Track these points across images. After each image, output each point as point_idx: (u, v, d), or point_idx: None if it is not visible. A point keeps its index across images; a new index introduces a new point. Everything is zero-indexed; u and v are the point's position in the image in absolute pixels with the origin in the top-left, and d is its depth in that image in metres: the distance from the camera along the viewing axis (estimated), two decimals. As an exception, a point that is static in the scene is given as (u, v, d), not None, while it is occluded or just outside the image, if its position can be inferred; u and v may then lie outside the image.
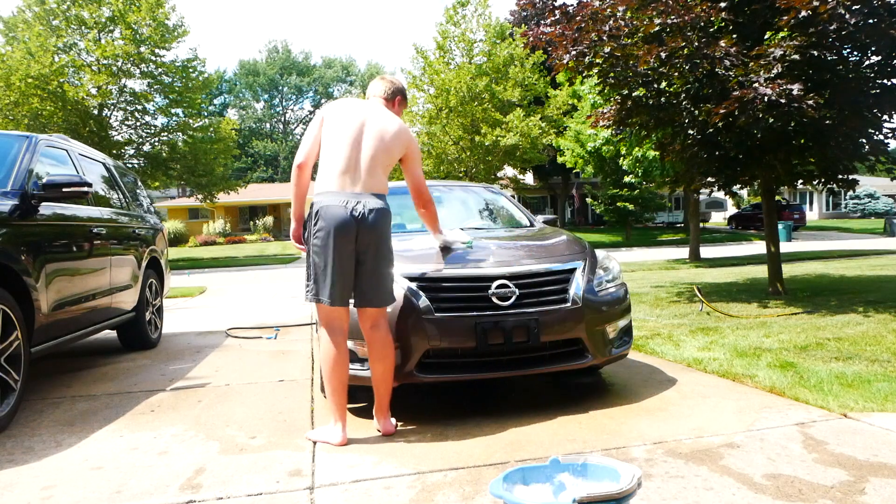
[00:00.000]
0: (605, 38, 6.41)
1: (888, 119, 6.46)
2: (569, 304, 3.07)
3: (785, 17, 5.74)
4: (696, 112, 6.58)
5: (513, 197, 5.91)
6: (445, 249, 3.26)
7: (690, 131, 6.96)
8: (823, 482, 2.16)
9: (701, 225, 20.37)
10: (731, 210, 41.81)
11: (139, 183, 6.17)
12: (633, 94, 7.08)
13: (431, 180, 4.71)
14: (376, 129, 2.86)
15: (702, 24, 6.28)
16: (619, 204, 26.41)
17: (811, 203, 44.21)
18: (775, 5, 5.90)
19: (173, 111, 22.10)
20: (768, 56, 5.78)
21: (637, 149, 18.37)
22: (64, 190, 3.62)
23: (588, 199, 30.79)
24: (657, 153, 9.75)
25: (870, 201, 42.28)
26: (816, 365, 3.79)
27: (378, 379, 2.82)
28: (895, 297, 6.79)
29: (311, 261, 2.75)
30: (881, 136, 6.59)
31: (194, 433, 2.95)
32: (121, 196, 5.30)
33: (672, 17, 6.01)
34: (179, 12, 31.09)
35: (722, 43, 5.92)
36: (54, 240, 3.68)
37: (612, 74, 6.85)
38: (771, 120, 5.92)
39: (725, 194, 8.14)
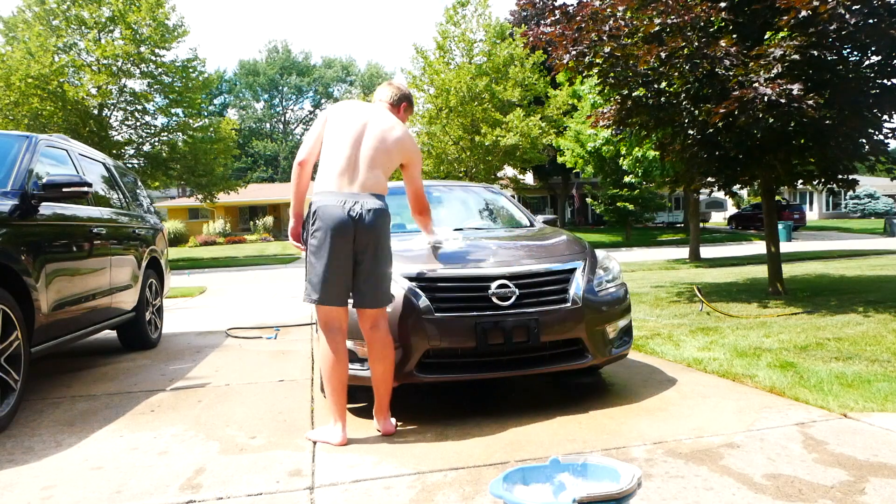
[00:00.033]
0: (605, 38, 6.41)
1: (888, 119, 6.46)
2: (569, 304, 3.07)
3: (785, 17, 5.74)
4: (696, 112, 6.58)
5: (513, 197, 5.91)
6: (440, 246, 3.29)
7: (690, 131, 6.96)
8: (823, 482, 2.16)
9: (701, 225, 20.37)
10: (731, 210, 41.81)
11: (139, 183, 6.17)
12: (633, 94, 7.08)
13: (431, 180, 4.71)
14: (377, 130, 2.87)
15: (702, 24, 6.28)
16: (619, 204, 26.41)
17: (811, 203, 44.21)
18: (775, 5, 5.89)
19: (173, 111, 22.10)
20: (768, 56, 5.78)
21: (637, 149, 18.37)
22: (64, 190, 3.62)
23: (588, 199, 30.80)
24: (657, 153, 9.76)
25: (870, 201, 42.29)
26: (816, 365, 3.79)
27: (378, 379, 2.82)
28: (895, 297, 6.79)
29: (309, 261, 2.75)
30: (881, 136, 6.59)
31: (194, 433, 2.95)
32: (121, 196, 5.30)
33: (672, 17, 6.01)
34: (179, 12, 31.07)
35: (722, 43, 5.92)
36: (54, 240, 3.68)
37: (612, 74, 6.85)
38: (771, 120, 5.92)
39: (725, 194, 8.14)
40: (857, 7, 5.49)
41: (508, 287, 2.99)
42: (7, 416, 3.01)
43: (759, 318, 5.79)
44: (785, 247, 17.25)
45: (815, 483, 2.16)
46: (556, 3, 7.23)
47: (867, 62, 6.48)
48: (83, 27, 20.35)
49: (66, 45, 20.01)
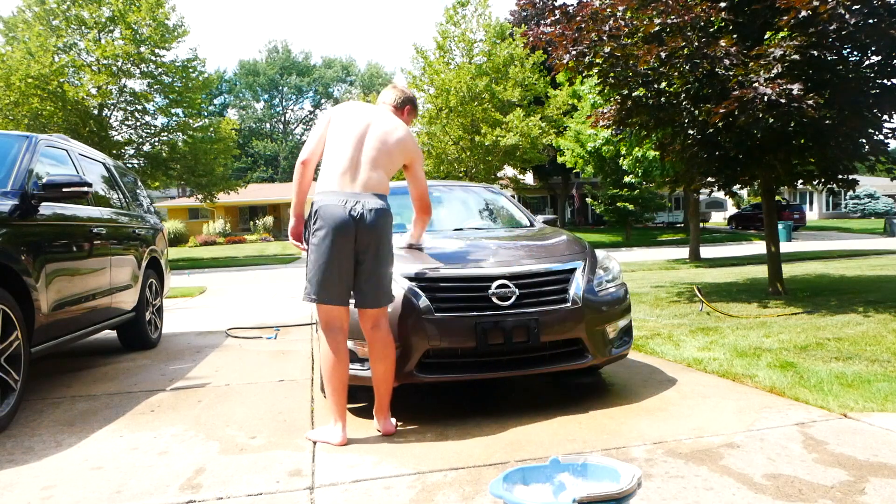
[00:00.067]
0: (605, 38, 6.41)
1: (888, 119, 6.46)
2: (569, 304, 3.07)
3: (785, 17, 5.74)
4: (696, 112, 6.58)
5: (513, 197, 5.91)
6: (417, 248, 3.29)
7: (690, 131, 6.96)
8: (823, 482, 2.16)
9: (701, 225, 20.37)
10: (731, 210, 41.81)
11: (139, 183, 6.17)
12: (633, 94, 7.09)
13: (431, 180, 4.71)
14: (380, 131, 2.88)
15: (702, 23, 6.28)
16: (619, 204, 26.41)
17: (811, 203, 44.21)
18: (775, 5, 5.90)
19: (173, 111, 22.10)
20: (768, 56, 5.78)
21: (637, 149, 18.36)
22: (64, 190, 3.62)
23: (588, 199, 30.79)
24: (657, 153, 9.76)
25: (870, 201, 42.29)
26: (816, 365, 3.79)
27: (379, 379, 2.82)
28: (895, 297, 6.80)
29: (310, 260, 2.75)
30: (881, 136, 6.59)
31: (194, 433, 2.95)
32: (121, 196, 5.30)
33: (672, 17, 6.01)
34: (179, 12, 31.08)
35: (722, 43, 5.92)
36: (54, 240, 3.68)
37: (612, 74, 6.85)
38: (771, 120, 5.92)
39: (725, 194, 8.14)
40: (857, 7, 5.49)
41: (508, 287, 2.99)
42: (7, 416, 3.01)
43: (759, 318, 5.79)
44: (785, 247, 17.25)
45: (815, 483, 2.16)
46: (556, 3, 7.23)
47: (867, 62, 6.48)
48: (83, 27, 20.35)
49: (66, 45, 20.01)
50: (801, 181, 7.62)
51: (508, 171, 31.51)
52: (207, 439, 2.85)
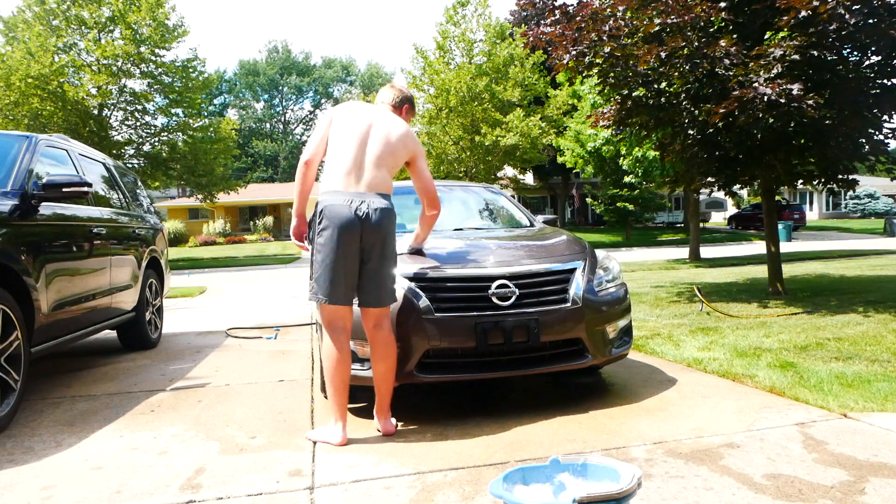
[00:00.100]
0: (605, 38, 6.41)
1: (888, 119, 6.46)
2: (569, 304, 3.07)
3: (785, 17, 5.74)
4: (696, 112, 6.58)
5: (513, 197, 5.91)
6: (419, 252, 3.22)
7: (690, 131, 6.96)
8: (823, 482, 2.16)
9: (701, 225, 20.37)
10: (731, 210, 41.81)
11: (139, 183, 6.17)
12: (633, 94, 7.09)
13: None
14: (383, 130, 2.88)
15: (702, 24, 6.28)
16: (619, 204, 26.41)
17: (811, 203, 44.21)
18: (775, 5, 5.90)
19: (173, 111, 22.09)
20: (768, 56, 5.78)
21: (637, 149, 18.37)
22: (64, 190, 3.62)
23: (588, 199, 30.79)
24: (657, 153, 9.76)
25: (870, 201, 42.29)
26: (816, 365, 3.79)
27: (380, 379, 2.82)
28: (895, 297, 6.80)
29: (316, 260, 2.75)
30: (881, 136, 6.59)
31: (194, 433, 2.95)
32: (121, 196, 5.30)
33: (672, 17, 6.01)
34: (179, 12, 31.05)
35: (722, 43, 5.92)
36: (54, 240, 3.68)
37: (612, 74, 6.85)
38: (771, 120, 5.92)
39: (725, 194, 8.14)
40: (857, 7, 5.49)
41: (508, 287, 2.99)
42: (7, 416, 3.01)
43: (759, 318, 5.79)
44: (785, 247, 17.25)
45: (815, 483, 2.16)
46: (556, 3, 7.23)
47: (867, 62, 6.48)
48: (83, 27, 20.34)
49: (66, 45, 20.00)
50: (801, 181, 7.62)
51: (508, 171, 31.52)
52: (207, 439, 2.85)
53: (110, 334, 5.82)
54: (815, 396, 3.12)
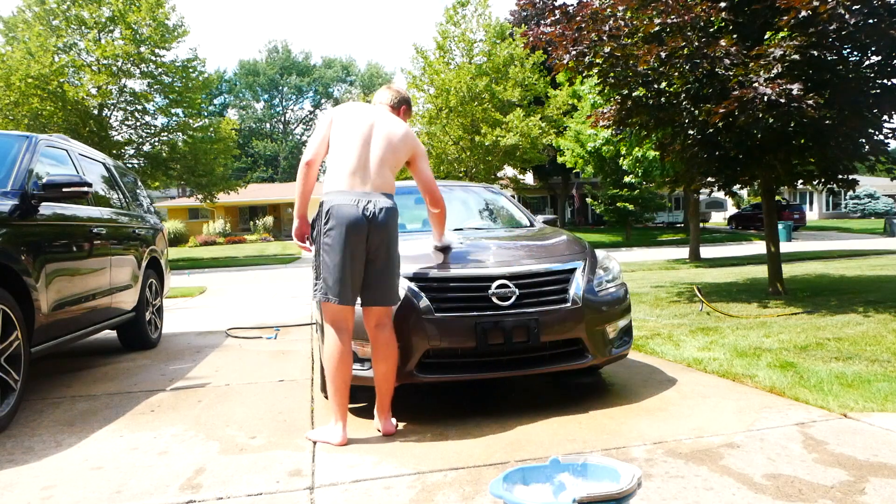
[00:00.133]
0: (605, 38, 6.41)
1: (888, 119, 6.46)
2: (569, 304, 3.07)
3: (785, 17, 5.74)
4: (696, 112, 6.58)
5: (513, 197, 5.91)
6: (444, 249, 3.26)
7: (690, 131, 6.96)
8: (823, 482, 2.16)
9: (701, 225, 20.37)
10: (731, 210, 41.81)
11: (139, 183, 6.17)
12: (633, 94, 7.09)
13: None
14: (385, 130, 2.89)
15: (702, 23, 6.28)
16: (619, 204, 26.41)
17: (811, 203, 44.21)
18: (775, 5, 5.90)
19: (173, 111, 22.09)
20: (768, 56, 5.78)
21: (637, 149, 18.37)
22: (64, 190, 3.62)
23: (588, 199, 30.78)
24: (657, 153, 9.76)
25: (870, 201, 42.28)
26: (816, 365, 3.79)
27: (380, 378, 2.82)
28: (895, 297, 6.80)
29: (321, 260, 2.75)
30: (881, 136, 6.59)
31: (194, 433, 2.95)
32: (121, 196, 5.30)
33: (672, 16, 6.01)
34: (179, 12, 31.04)
35: (722, 43, 5.92)
36: (54, 240, 3.68)
37: (612, 74, 6.85)
38: (771, 120, 5.92)
39: (725, 194, 8.14)
40: (857, 7, 5.49)
41: (508, 287, 2.99)
42: (7, 416, 3.01)
43: (759, 318, 5.79)
44: (785, 247, 17.25)
45: (815, 483, 2.16)
46: (556, 3, 7.23)
47: (867, 62, 6.48)
48: (83, 27, 20.34)
49: (66, 45, 20.00)
50: (801, 181, 7.62)
51: (508, 171, 31.52)
52: (207, 439, 2.85)
53: (110, 334, 5.82)
54: (815, 396, 3.12)
